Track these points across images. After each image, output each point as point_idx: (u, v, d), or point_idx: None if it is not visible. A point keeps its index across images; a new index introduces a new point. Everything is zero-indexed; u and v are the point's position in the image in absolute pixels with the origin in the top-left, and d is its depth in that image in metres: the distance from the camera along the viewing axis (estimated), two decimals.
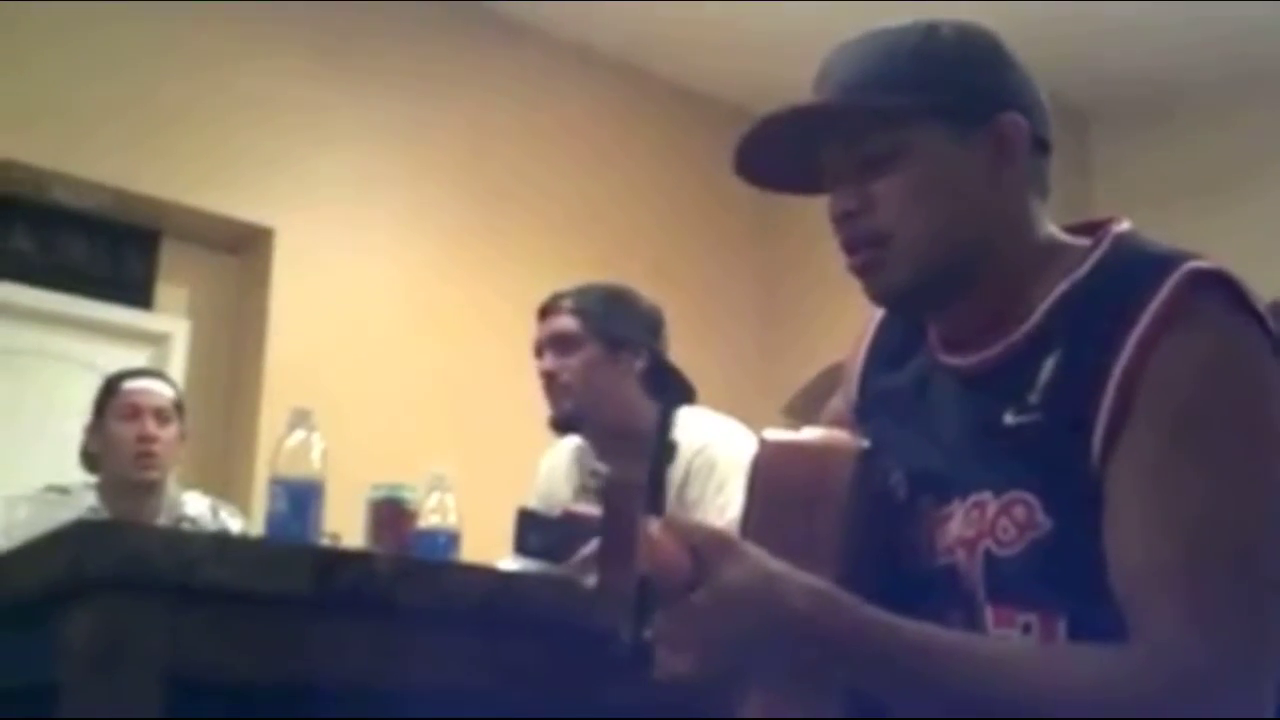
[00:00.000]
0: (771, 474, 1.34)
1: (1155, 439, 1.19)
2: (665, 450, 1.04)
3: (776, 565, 1.15)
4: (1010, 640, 1.24)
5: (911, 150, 1.32)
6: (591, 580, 1.22)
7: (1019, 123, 1.34)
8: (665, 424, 1.04)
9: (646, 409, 2.70)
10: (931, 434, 1.37)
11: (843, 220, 1.35)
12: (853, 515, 1.29)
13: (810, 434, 1.46)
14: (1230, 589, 1.14)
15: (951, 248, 1.32)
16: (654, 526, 1.05)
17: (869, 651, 1.17)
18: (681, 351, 2.83)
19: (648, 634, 1.04)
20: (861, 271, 1.35)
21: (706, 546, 1.14)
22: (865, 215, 1.33)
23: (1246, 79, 5.54)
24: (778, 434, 1.40)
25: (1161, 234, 1.33)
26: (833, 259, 1.38)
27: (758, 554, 1.16)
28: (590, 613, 1.45)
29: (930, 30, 1.36)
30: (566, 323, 2.72)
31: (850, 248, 1.35)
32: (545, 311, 2.78)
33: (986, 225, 1.33)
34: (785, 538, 1.26)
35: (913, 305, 1.40)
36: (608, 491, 1.05)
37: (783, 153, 1.38)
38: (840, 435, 1.42)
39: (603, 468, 0.96)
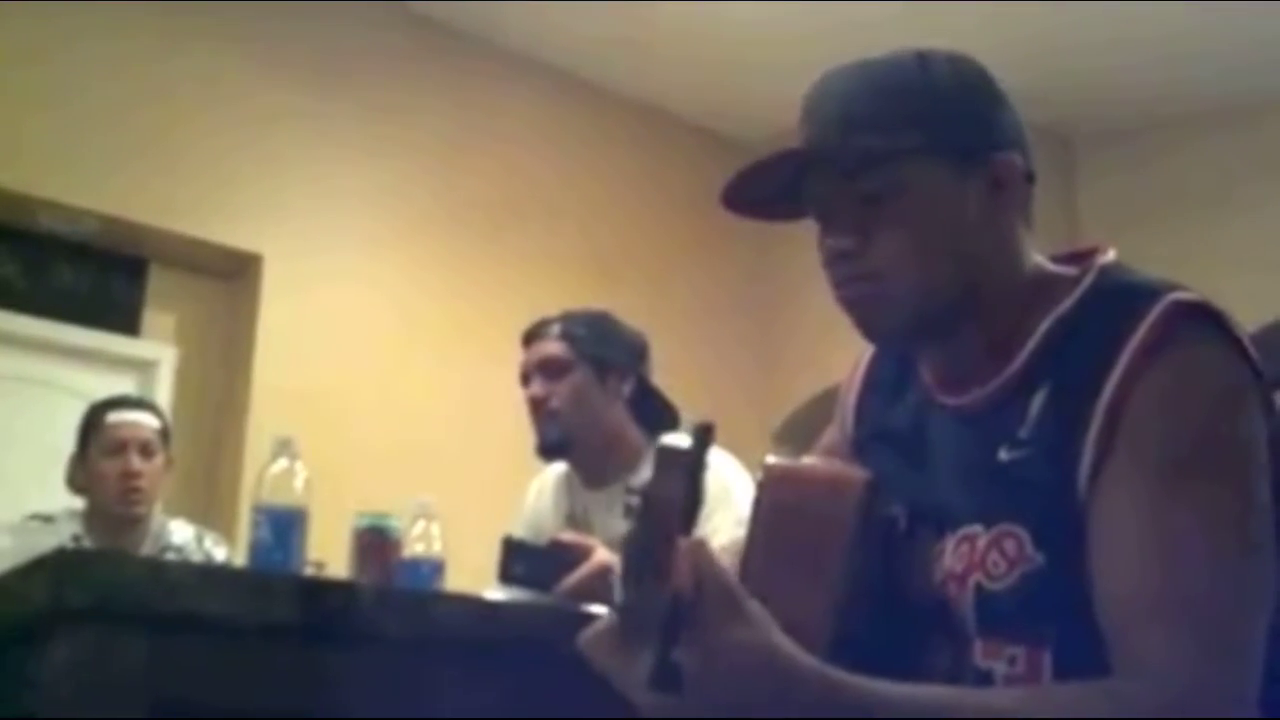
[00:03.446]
0: (777, 500, 1.34)
1: (1139, 470, 1.19)
2: (701, 468, 1.02)
3: (779, 638, 1.07)
4: (1004, 691, 1.23)
5: (908, 188, 1.31)
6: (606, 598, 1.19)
7: (1015, 162, 1.35)
8: (703, 441, 1.03)
9: (634, 434, 2.70)
10: (928, 470, 1.38)
11: (837, 258, 1.34)
12: (857, 545, 1.28)
13: (816, 462, 1.46)
14: (1216, 619, 1.13)
15: (947, 286, 1.32)
16: (685, 546, 1.03)
17: None
18: (671, 378, 2.84)
19: (675, 655, 1.02)
20: (853, 306, 1.34)
21: (713, 595, 1.05)
22: (861, 255, 1.32)
23: (1228, 98, 5.57)
24: (782, 461, 1.40)
25: (1145, 254, 1.33)
26: (826, 286, 1.37)
27: (763, 620, 1.07)
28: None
29: (923, 63, 1.35)
30: (555, 348, 2.71)
31: (843, 285, 1.34)
32: (531, 337, 2.77)
33: (981, 262, 1.33)
34: (788, 564, 1.26)
35: (906, 342, 1.40)
36: (644, 506, 1.03)
37: (773, 186, 1.37)
38: (846, 466, 1.42)
39: (639, 483, 0.96)
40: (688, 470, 1.01)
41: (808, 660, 1.07)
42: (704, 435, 1.03)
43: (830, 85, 1.37)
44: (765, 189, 1.38)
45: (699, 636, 1.02)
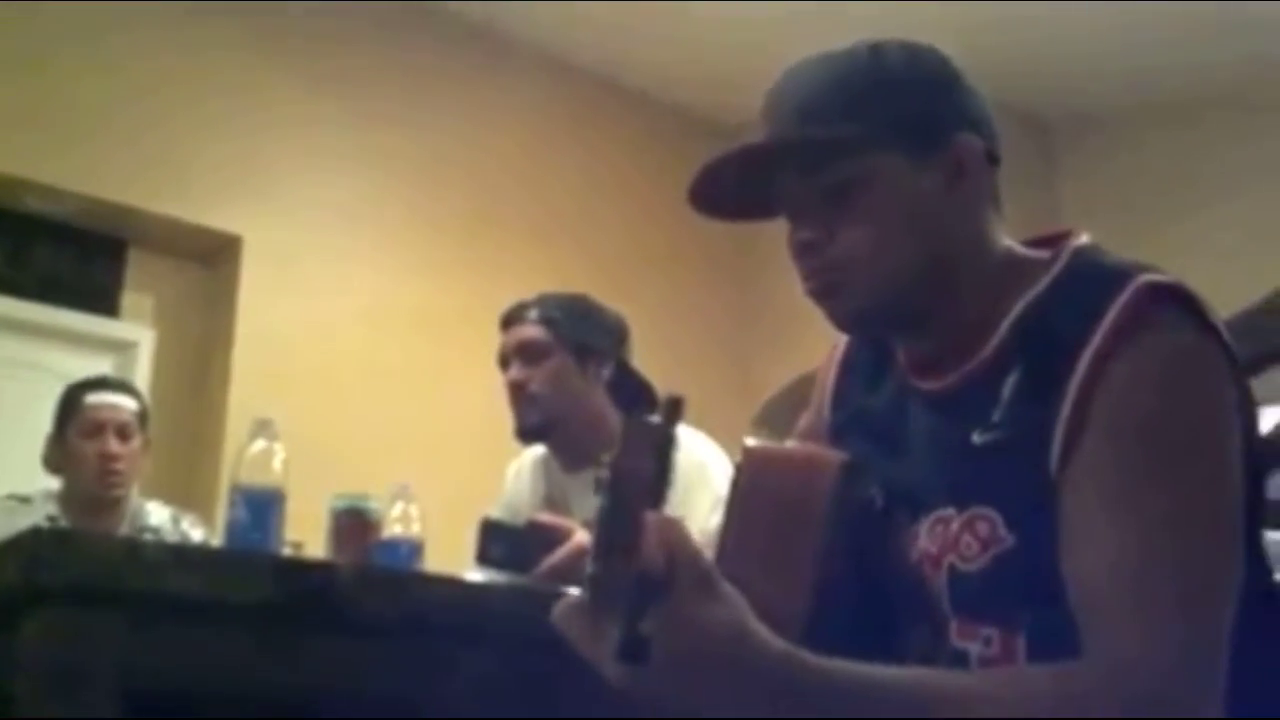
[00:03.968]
0: (755, 482, 1.34)
1: (1109, 452, 1.19)
2: (670, 442, 1.02)
3: (751, 620, 1.06)
4: (966, 674, 1.23)
5: (870, 178, 1.31)
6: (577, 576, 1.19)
7: (974, 143, 1.35)
8: (672, 414, 1.02)
9: (613, 418, 2.70)
10: (905, 453, 1.38)
11: (804, 251, 1.34)
12: (834, 526, 1.29)
13: (793, 445, 1.46)
14: (1182, 605, 1.14)
15: (914, 272, 1.32)
16: (654, 520, 1.02)
17: (829, 708, 1.09)
18: (652, 362, 2.83)
19: (644, 628, 1.02)
20: (822, 298, 1.35)
21: (685, 572, 1.04)
22: (826, 245, 1.33)
23: (1208, 85, 5.58)
24: (761, 443, 1.40)
25: (1124, 241, 1.33)
26: None
27: (735, 601, 1.06)
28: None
29: (877, 53, 1.36)
30: (534, 332, 2.70)
31: (810, 278, 1.35)
32: (509, 321, 2.76)
33: (947, 247, 1.33)
34: (765, 544, 1.26)
35: (876, 329, 1.41)
36: (613, 479, 1.02)
37: (737, 184, 1.37)
38: (823, 448, 1.43)
39: (609, 456, 0.95)
40: (656, 443, 1.01)
41: (777, 643, 1.06)
42: (673, 409, 1.02)
43: (787, 81, 1.38)
44: (733, 187, 1.38)
45: (669, 612, 1.02)
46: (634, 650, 1.00)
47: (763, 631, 1.06)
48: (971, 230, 1.35)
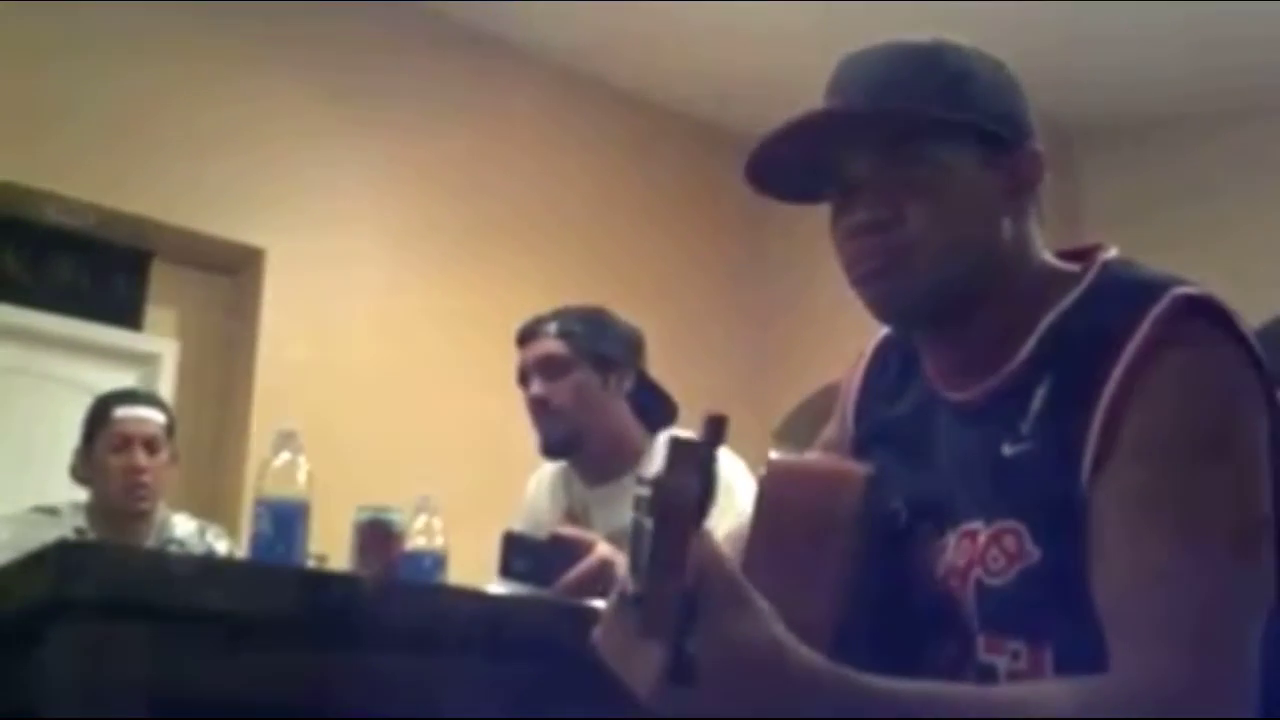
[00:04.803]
0: (779, 495, 1.34)
1: (1141, 466, 1.18)
2: (713, 461, 1.02)
3: (782, 632, 1.05)
4: (994, 689, 1.22)
5: (946, 164, 1.31)
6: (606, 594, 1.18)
7: (1039, 154, 1.36)
8: (715, 433, 1.03)
9: (635, 430, 2.70)
10: (930, 465, 1.37)
11: (868, 229, 1.32)
12: (858, 540, 1.28)
13: (817, 457, 1.45)
14: (1211, 620, 1.13)
15: (969, 269, 1.32)
16: (697, 540, 1.03)
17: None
18: (671, 374, 2.83)
19: (690, 647, 1.02)
20: (879, 279, 1.32)
21: (716, 588, 1.03)
22: (891, 227, 1.31)
23: (1232, 94, 5.56)
24: (785, 456, 1.40)
25: (1148, 250, 1.33)
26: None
27: (766, 614, 1.05)
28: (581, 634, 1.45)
29: (956, 50, 1.36)
30: (554, 346, 2.69)
31: (869, 258, 1.32)
32: (527, 336, 2.74)
33: (1000, 250, 1.33)
34: (790, 559, 1.26)
35: (920, 319, 1.38)
36: (656, 498, 1.02)
37: (802, 156, 1.35)
38: (847, 461, 1.42)
39: (651, 474, 0.95)
40: (701, 463, 1.02)
41: (810, 655, 1.06)
42: (716, 427, 1.03)
43: (867, 58, 1.37)
44: (794, 160, 1.36)
45: (703, 629, 1.02)
46: (682, 671, 1.00)
47: (793, 642, 1.06)
48: (1019, 237, 1.35)
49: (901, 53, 1.36)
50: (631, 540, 1.04)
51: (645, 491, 1.02)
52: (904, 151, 1.31)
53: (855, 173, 1.33)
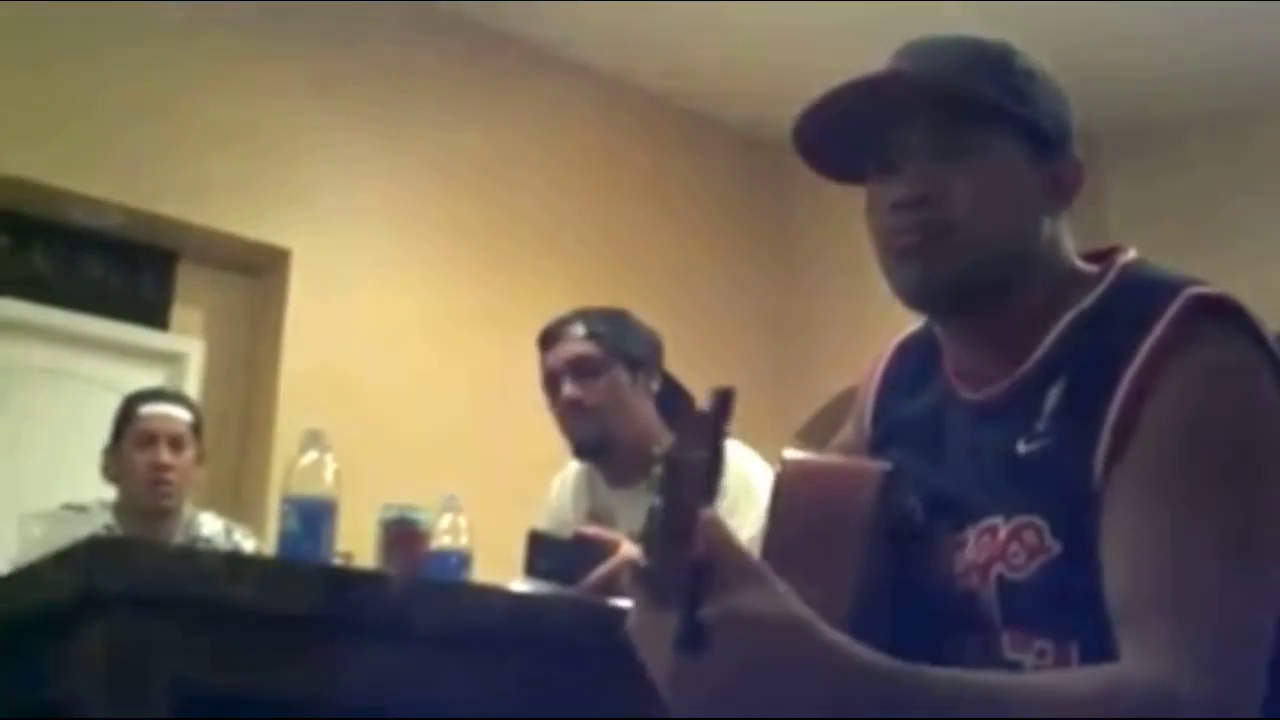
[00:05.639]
0: (794, 493, 1.34)
1: (1154, 463, 1.19)
2: (721, 434, 1.03)
3: (801, 607, 1.05)
4: (1017, 677, 1.21)
5: (993, 152, 1.32)
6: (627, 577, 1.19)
7: (1080, 165, 1.37)
8: (722, 406, 1.03)
9: (660, 431, 2.70)
10: (946, 464, 1.38)
11: (912, 204, 1.32)
12: (874, 537, 1.29)
13: (833, 456, 1.46)
14: (1220, 621, 1.13)
15: (1002, 258, 1.32)
16: (704, 516, 1.03)
17: (886, 700, 1.07)
18: (691, 379, 2.83)
19: (701, 616, 1.02)
20: (914, 258, 1.32)
21: (729, 565, 1.03)
22: (935, 204, 1.31)
23: (1258, 96, 5.53)
24: (801, 454, 1.40)
25: (1172, 253, 1.33)
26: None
27: (785, 592, 1.04)
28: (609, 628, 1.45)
29: (1018, 52, 1.38)
30: (585, 348, 2.68)
31: (910, 230, 1.32)
32: (553, 339, 2.72)
33: (1033, 246, 1.34)
34: (806, 556, 1.26)
35: (945, 304, 1.37)
36: (667, 471, 1.03)
37: (846, 126, 1.35)
38: (863, 459, 1.43)
39: (663, 447, 0.96)
40: (708, 434, 1.02)
41: (831, 632, 1.05)
42: (724, 401, 1.03)
43: (931, 42, 1.38)
44: (832, 131, 1.35)
45: (718, 604, 1.01)
46: (692, 638, 1.00)
47: (812, 616, 1.05)
48: (1053, 238, 1.36)
49: (968, 42, 1.38)
50: (646, 519, 1.05)
51: (659, 471, 1.03)
52: (957, 132, 1.32)
53: (904, 145, 1.34)
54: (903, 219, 1.33)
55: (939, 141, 1.32)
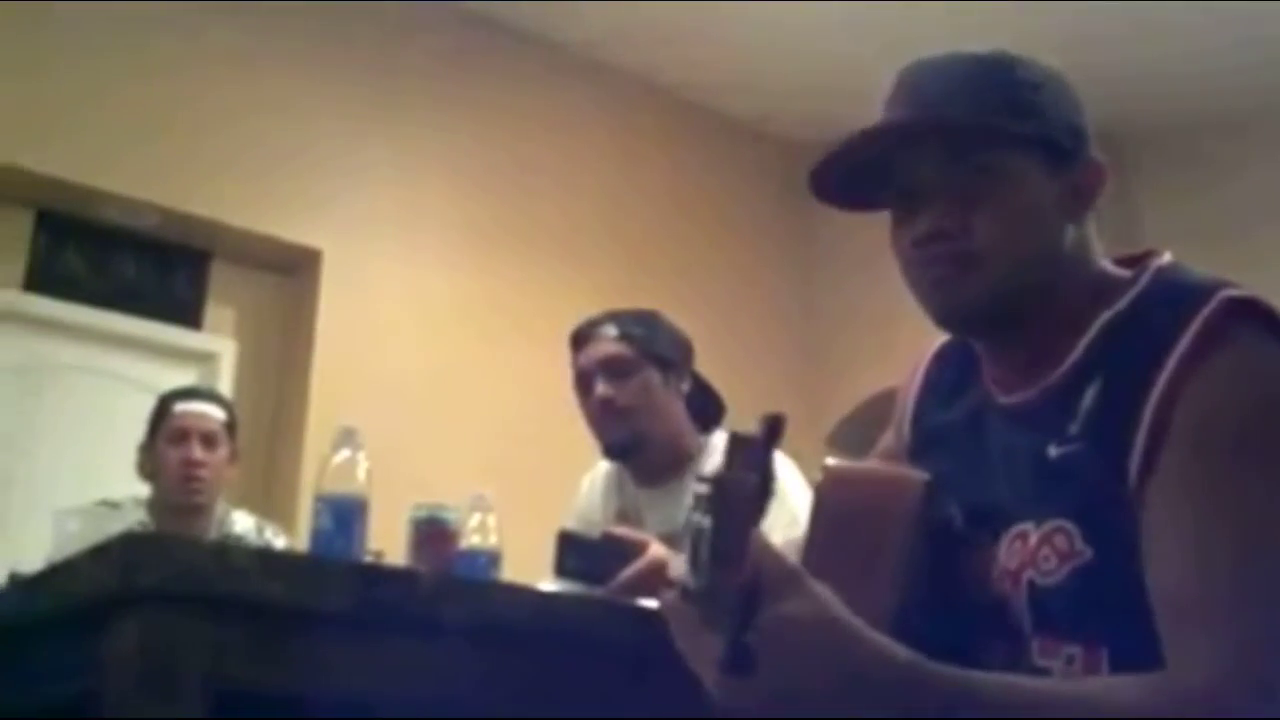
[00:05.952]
0: (835, 501, 1.35)
1: (1190, 465, 1.19)
2: (771, 458, 1.04)
3: (841, 610, 1.07)
4: (1063, 683, 1.22)
5: (1012, 173, 1.33)
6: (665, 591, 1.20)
7: (1100, 164, 1.37)
8: (774, 430, 1.04)
9: (690, 431, 2.70)
10: (984, 470, 1.38)
11: (934, 238, 1.34)
12: (914, 545, 1.30)
13: (874, 464, 1.46)
14: (1265, 622, 1.13)
15: (1030, 276, 1.33)
16: (759, 534, 1.05)
17: (927, 704, 1.09)
18: (717, 381, 2.84)
19: (750, 638, 1.03)
20: (943, 286, 1.34)
21: (772, 576, 1.05)
22: (959, 236, 1.32)
23: None
24: (843, 463, 1.41)
25: (1202, 256, 1.33)
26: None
27: (824, 595, 1.08)
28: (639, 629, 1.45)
29: (1018, 59, 1.37)
30: (617, 348, 2.68)
31: (935, 263, 1.34)
32: (584, 339, 2.73)
33: (1060, 257, 1.35)
34: (847, 564, 1.26)
35: (980, 325, 1.39)
36: (716, 493, 1.04)
37: (859, 166, 1.37)
38: (904, 467, 1.44)
39: (711, 470, 0.97)
40: (759, 460, 1.03)
41: (872, 634, 1.07)
42: (774, 426, 1.05)
43: (930, 68, 1.38)
44: (845, 171, 1.38)
45: (762, 616, 1.03)
46: (739, 661, 1.02)
47: (854, 620, 1.07)
48: (1079, 244, 1.36)
49: (966, 63, 1.37)
50: (691, 537, 1.06)
51: (704, 489, 1.04)
52: (970, 160, 1.32)
53: (920, 180, 1.35)
54: (926, 253, 1.34)
55: (952, 173, 1.33)
